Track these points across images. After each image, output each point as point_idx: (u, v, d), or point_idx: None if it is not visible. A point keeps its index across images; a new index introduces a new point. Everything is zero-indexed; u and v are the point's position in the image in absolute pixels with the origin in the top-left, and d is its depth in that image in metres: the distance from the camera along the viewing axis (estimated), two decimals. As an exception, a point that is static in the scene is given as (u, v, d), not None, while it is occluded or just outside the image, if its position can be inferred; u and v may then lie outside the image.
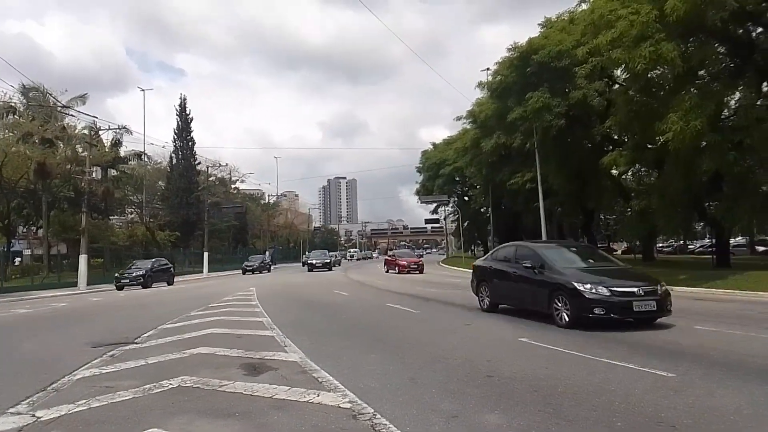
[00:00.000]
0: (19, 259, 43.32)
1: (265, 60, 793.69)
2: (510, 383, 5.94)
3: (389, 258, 42.16)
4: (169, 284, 33.30)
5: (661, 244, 57.55)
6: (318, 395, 5.58)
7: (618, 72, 27.17)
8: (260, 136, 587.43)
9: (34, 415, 5.19)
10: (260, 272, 48.16)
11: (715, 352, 7.37)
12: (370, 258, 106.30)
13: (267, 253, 68.43)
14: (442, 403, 5.23)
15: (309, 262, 47.64)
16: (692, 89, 22.35)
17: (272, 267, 55.58)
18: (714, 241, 29.74)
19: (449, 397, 5.47)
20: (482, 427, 4.50)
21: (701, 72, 23.42)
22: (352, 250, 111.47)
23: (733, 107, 24.22)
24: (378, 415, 4.85)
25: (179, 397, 5.72)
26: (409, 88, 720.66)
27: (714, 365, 6.59)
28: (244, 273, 47.18)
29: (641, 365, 6.56)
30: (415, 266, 36.93)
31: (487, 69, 37.39)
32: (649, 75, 22.97)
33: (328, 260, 48.28)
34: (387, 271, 38.92)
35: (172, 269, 35.93)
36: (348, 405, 5.22)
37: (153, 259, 35.16)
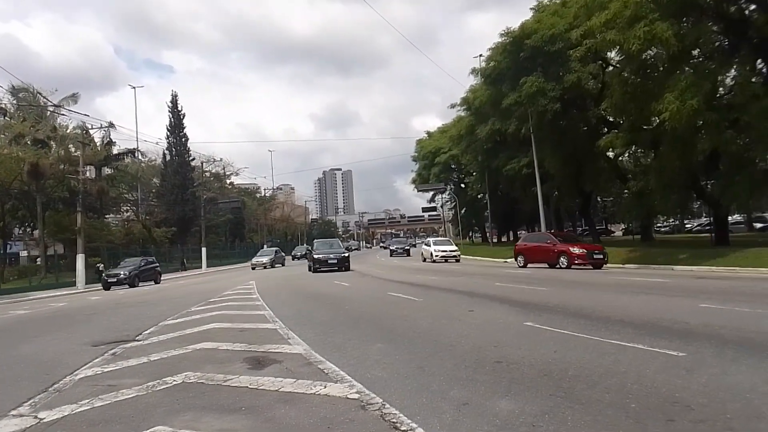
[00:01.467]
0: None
1: (253, 54, 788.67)
2: (519, 368, 5.85)
3: (542, 245, 25.37)
4: None
5: (658, 224, 57.63)
6: (325, 387, 5.49)
7: (612, 54, 27.09)
8: (252, 130, 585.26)
9: (36, 417, 5.07)
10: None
11: (724, 330, 7.30)
12: (357, 249, 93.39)
13: (264, 246, 68.31)
14: (452, 391, 5.14)
15: (315, 256, 30.31)
16: (687, 69, 22.30)
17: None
18: (712, 219, 29.76)
19: (458, 384, 5.38)
20: (494, 413, 4.41)
21: (695, 51, 23.36)
22: (331, 240, 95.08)
23: (728, 85, 24.15)
24: (387, 405, 4.76)
25: (184, 393, 5.62)
26: (400, 79, 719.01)
27: (725, 343, 6.51)
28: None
29: (650, 345, 6.49)
30: (600, 255, 23.45)
31: (480, 55, 37.35)
32: (643, 56, 22.91)
33: (346, 253, 31.42)
34: (524, 266, 25.68)
35: None
36: (356, 396, 5.13)
37: None
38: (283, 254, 52.83)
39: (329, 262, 29.58)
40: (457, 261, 36.33)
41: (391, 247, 61.06)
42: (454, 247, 39.11)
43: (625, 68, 25.22)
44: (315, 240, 38.72)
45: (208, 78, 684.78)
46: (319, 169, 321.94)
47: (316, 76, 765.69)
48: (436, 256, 36.87)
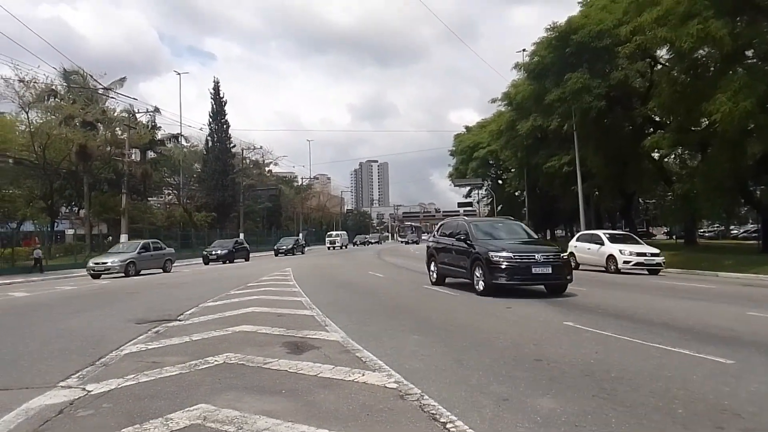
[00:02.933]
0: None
1: (292, 43, 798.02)
2: (560, 367, 5.78)
3: None
4: None
5: (702, 229, 56.11)
6: (363, 374, 5.53)
7: (662, 52, 26.33)
8: (289, 118, 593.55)
9: (84, 389, 5.25)
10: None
11: (774, 340, 7.07)
12: (367, 243, 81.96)
13: (300, 234, 68.78)
14: (491, 386, 5.12)
15: (494, 258, 12.30)
16: (741, 69, 21.55)
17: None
18: (760, 225, 28.79)
19: (498, 379, 5.34)
20: (535, 410, 4.37)
21: (750, 52, 22.55)
22: (334, 233, 71.75)
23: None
24: (426, 396, 4.77)
25: (225, 373, 5.73)
26: (437, 72, 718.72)
27: (776, 352, 6.32)
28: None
29: (696, 351, 6.33)
30: None
31: (524, 50, 36.78)
32: (695, 54, 22.21)
33: (562, 253, 13.16)
34: None
35: None
36: (394, 385, 5.15)
37: None
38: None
39: (536, 272, 12.27)
40: (656, 272, 20.39)
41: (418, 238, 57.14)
42: (653, 249, 21.46)
43: (675, 67, 24.50)
44: (471, 223, 15.23)
45: (248, 66, 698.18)
46: (355, 160, 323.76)
47: (354, 66, 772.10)
48: (627, 262, 20.30)
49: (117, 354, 6.86)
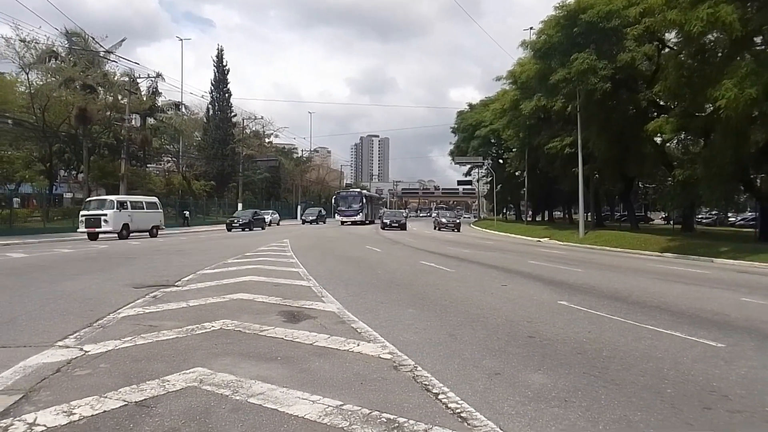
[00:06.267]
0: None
1: (292, 13, 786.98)
2: (553, 345, 5.84)
3: None
4: None
5: (700, 216, 56.13)
6: (358, 345, 5.59)
7: (670, 35, 26.04)
8: (288, 90, 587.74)
9: (82, 349, 5.31)
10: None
11: (766, 325, 7.13)
12: (262, 226, 43.09)
13: (299, 207, 68.81)
14: (484, 360, 5.18)
15: None
16: (748, 56, 21.32)
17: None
18: (758, 213, 28.81)
19: (490, 354, 5.41)
20: (527, 385, 4.43)
21: (758, 38, 22.28)
22: (108, 198, 27.88)
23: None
24: (419, 368, 4.83)
25: (222, 339, 5.79)
26: (438, 48, 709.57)
27: (766, 338, 6.38)
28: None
29: (688, 334, 6.39)
30: None
31: (531, 28, 36.38)
32: (704, 39, 21.96)
33: None
34: None
35: None
36: (388, 356, 5.21)
37: None
38: None
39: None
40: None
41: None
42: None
43: (683, 51, 24.23)
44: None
45: (247, 35, 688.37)
46: (355, 134, 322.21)
47: (354, 39, 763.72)
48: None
49: (114, 317, 6.92)
